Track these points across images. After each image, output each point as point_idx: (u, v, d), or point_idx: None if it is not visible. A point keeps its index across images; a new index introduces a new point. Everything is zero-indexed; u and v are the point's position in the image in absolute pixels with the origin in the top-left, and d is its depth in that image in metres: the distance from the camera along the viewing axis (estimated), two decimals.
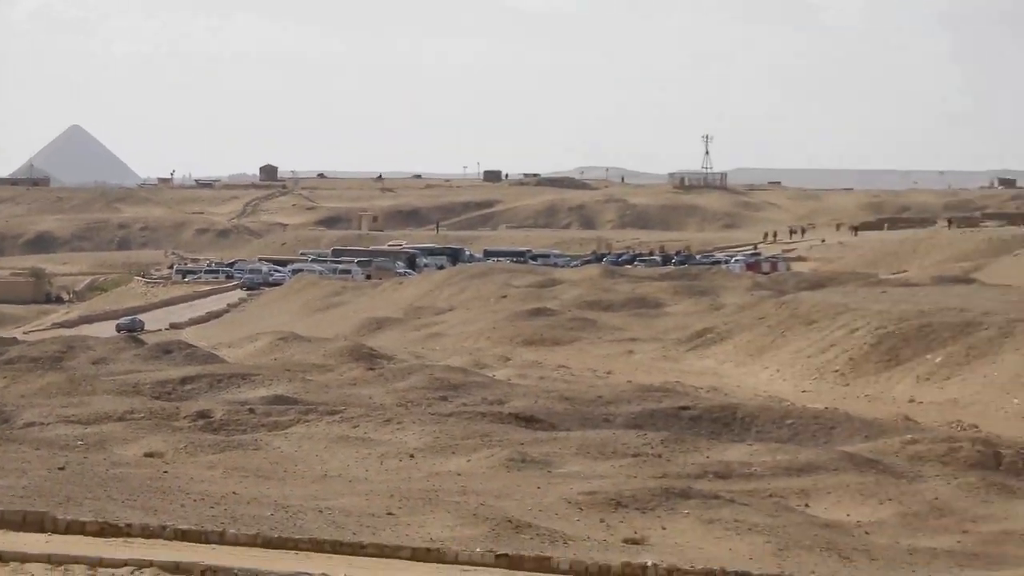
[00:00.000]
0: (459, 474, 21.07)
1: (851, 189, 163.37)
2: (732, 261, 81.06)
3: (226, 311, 71.61)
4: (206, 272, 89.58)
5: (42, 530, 11.54)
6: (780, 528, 17.80)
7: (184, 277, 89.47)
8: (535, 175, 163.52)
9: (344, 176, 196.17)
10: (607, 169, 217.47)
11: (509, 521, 15.76)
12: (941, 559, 16.78)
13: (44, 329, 73.05)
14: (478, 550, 13.00)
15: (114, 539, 11.20)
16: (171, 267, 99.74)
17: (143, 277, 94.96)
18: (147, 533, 12.04)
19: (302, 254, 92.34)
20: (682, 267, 75.00)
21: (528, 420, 26.23)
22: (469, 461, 21.99)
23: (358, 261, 78.16)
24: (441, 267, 73.52)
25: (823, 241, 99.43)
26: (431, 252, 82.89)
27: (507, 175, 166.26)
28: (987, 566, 16.81)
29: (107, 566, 9.35)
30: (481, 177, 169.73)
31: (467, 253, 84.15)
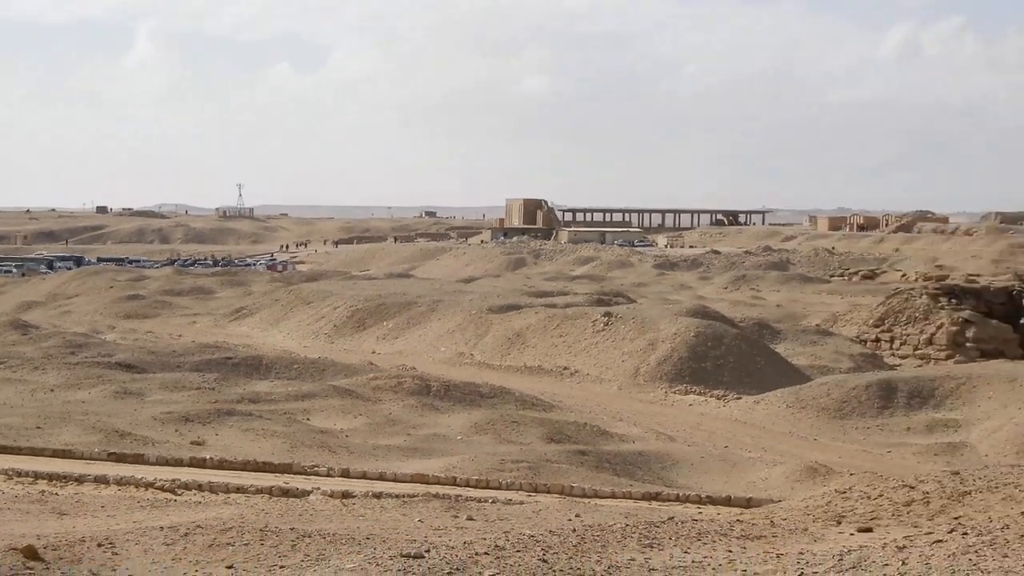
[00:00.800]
0: (83, 402, 28.92)
1: (332, 218, 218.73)
2: (258, 263, 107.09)
3: None
4: None
5: None
6: (292, 434, 26.62)
7: None
8: (130, 209, 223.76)
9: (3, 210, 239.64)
10: (176, 205, 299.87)
11: (117, 431, 24.03)
12: (394, 452, 25.64)
13: None
14: (96, 450, 21.96)
15: None
16: None
17: None
18: None
19: None
20: (226, 268, 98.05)
21: (128, 367, 35.32)
22: (90, 393, 30.34)
23: (16, 264, 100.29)
24: (69, 268, 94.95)
25: (316, 251, 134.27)
26: (63, 259, 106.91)
27: (111, 208, 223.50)
28: (423, 457, 25.36)
29: None
30: (94, 210, 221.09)
31: (87, 259, 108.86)
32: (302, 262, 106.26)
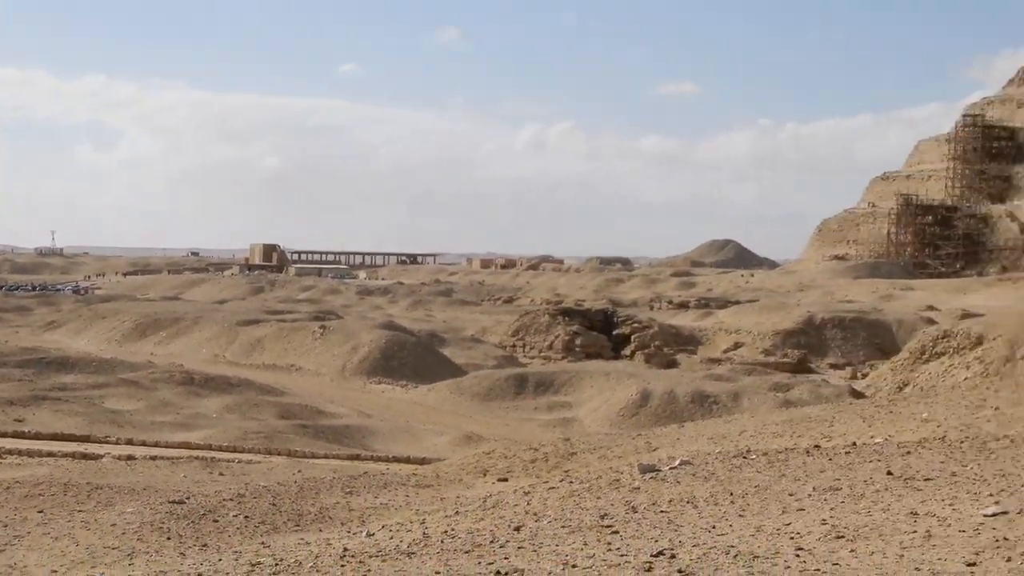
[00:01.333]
0: None
1: (122, 256, 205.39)
2: (66, 289, 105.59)
3: None
4: None
5: None
6: (90, 413, 32.54)
7: None
8: None
9: None
10: (3, 244, 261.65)
11: None
12: (166, 426, 31.37)
13: None
14: None
15: None
16: None
17: None
18: None
19: None
20: (42, 292, 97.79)
21: None
22: None
23: None
24: None
25: (110, 280, 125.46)
26: None
27: None
28: (188, 430, 30.29)
29: None
30: None
31: None
32: (99, 288, 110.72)
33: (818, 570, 5.65)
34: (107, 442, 26.87)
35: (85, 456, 23.05)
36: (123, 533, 10.76)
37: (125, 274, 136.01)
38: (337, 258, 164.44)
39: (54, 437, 26.47)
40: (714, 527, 7.56)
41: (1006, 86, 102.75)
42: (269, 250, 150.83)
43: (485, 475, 15.50)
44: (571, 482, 11.73)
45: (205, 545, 10.12)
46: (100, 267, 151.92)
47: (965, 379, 27.55)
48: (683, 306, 73.64)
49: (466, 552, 7.50)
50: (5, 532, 10.94)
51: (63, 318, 68.03)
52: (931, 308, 61.72)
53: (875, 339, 55.97)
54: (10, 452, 22.93)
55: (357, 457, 27.30)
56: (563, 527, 8.34)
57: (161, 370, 40.90)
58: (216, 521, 11.43)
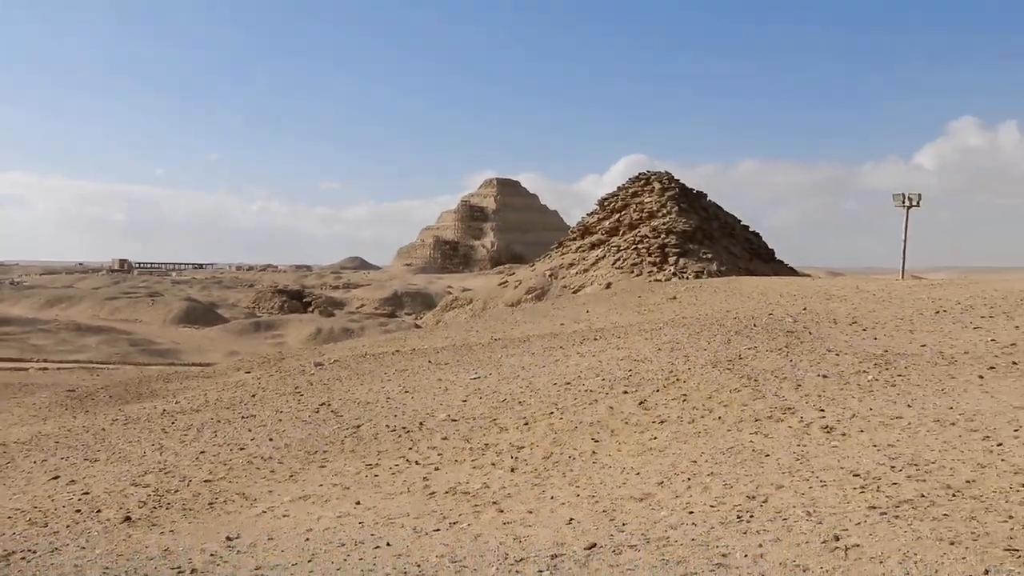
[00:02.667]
0: None
1: None
2: None
3: None
4: None
5: None
6: None
7: None
8: None
9: None
10: None
11: None
12: None
13: None
14: None
15: None
16: None
17: None
18: None
19: None
20: None
21: None
22: None
23: None
24: None
25: None
26: None
27: None
28: None
29: None
30: None
31: None
32: (26, 281, 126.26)
33: (390, 400, 14.24)
34: (31, 361, 38.70)
35: (18, 369, 35.03)
36: (40, 407, 18.23)
37: (40, 274, 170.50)
38: (162, 266, 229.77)
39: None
40: (348, 390, 16.00)
41: (481, 187, 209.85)
42: (123, 262, 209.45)
43: (239, 371, 23.36)
44: (280, 372, 20.18)
45: (87, 411, 17.74)
46: (24, 270, 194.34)
47: (464, 319, 49.15)
48: (336, 288, 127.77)
49: (226, 408, 15.62)
50: None
51: (3, 295, 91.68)
52: (449, 287, 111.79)
53: (426, 302, 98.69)
54: None
55: (171, 364, 42.05)
56: (276, 392, 16.64)
57: (63, 323, 63.83)
58: (92, 399, 19.00)
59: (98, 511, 8.54)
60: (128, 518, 8.24)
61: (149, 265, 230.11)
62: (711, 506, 7.09)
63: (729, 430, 9.40)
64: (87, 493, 9.42)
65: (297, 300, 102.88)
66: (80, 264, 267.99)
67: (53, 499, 9.23)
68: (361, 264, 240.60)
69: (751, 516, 6.71)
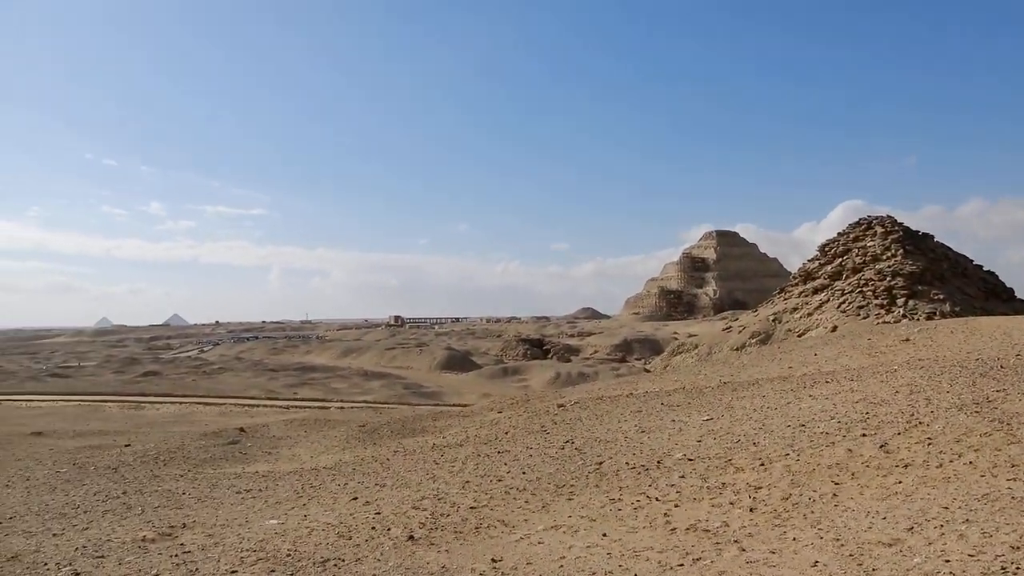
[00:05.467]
0: None
1: None
2: None
3: None
4: None
5: None
6: None
7: None
8: None
9: None
10: None
11: None
12: None
13: None
14: None
15: None
16: None
17: None
18: None
19: None
20: None
21: None
22: None
23: None
24: None
25: None
26: None
27: None
28: None
29: None
30: None
31: None
32: (327, 336, 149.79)
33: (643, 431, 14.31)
34: (332, 401, 44.80)
35: (323, 407, 42.44)
36: (340, 439, 20.09)
37: (337, 330, 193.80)
38: (427, 320, 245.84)
39: (304, 399, 42.46)
40: (589, 429, 16.11)
41: (701, 239, 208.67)
42: (397, 317, 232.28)
43: (491, 410, 24.15)
44: (527, 412, 20.81)
45: (374, 443, 19.23)
46: (326, 327, 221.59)
47: (692, 363, 47.72)
48: (571, 336, 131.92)
49: (484, 443, 16.30)
50: (284, 441, 20.37)
51: (311, 347, 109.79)
52: (675, 333, 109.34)
53: (654, 348, 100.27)
54: (294, 406, 40.11)
55: (436, 404, 44.86)
56: (524, 430, 17.12)
57: (354, 370, 78.46)
58: (378, 433, 20.62)
59: (388, 529, 9.19)
60: (412, 536, 8.79)
61: (417, 320, 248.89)
62: (970, 555, 6.25)
63: (983, 476, 8.28)
64: (379, 513, 10.18)
65: (538, 348, 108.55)
66: (366, 321, 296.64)
67: (354, 516, 10.07)
68: (592, 314, 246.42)
69: (1017, 568, 5.83)
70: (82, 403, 53.88)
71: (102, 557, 8.24)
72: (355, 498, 11.58)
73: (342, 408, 42.73)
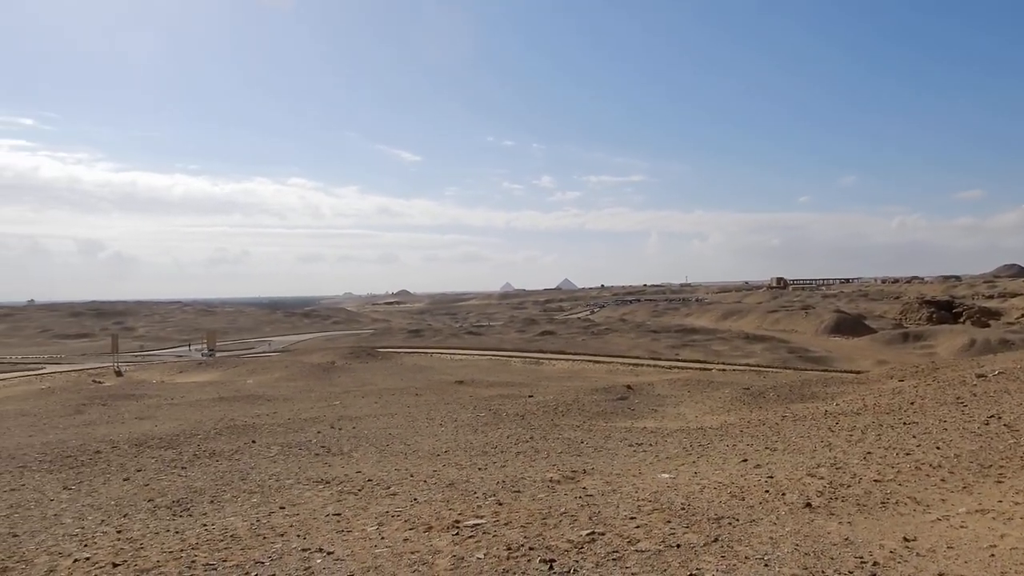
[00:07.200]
0: None
1: None
2: None
3: None
4: None
5: None
6: None
7: None
8: None
9: None
10: None
11: None
12: None
13: None
14: None
15: None
16: None
17: None
18: None
19: None
20: None
21: None
22: None
23: None
24: None
25: None
26: None
27: None
28: None
29: None
30: None
31: None
32: None
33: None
34: (713, 363, 47.39)
35: (703, 369, 47.14)
36: (723, 400, 20.09)
37: (717, 292, 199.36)
38: (812, 282, 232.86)
39: (685, 360, 43.24)
40: (1021, 403, 13.84)
41: None
42: (779, 279, 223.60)
43: (891, 378, 21.76)
44: (937, 382, 18.50)
45: (760, 407, 18.79)
46: (706, 290, 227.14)
47: None
48: (990, 297, 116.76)
49: (885, 413, 14.95)
50: (669, 400, 20.97)
51: (691, 310, 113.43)
52: None
53: None
54: (676, 366, 42.47)
55: (825, 370, 42.16)
56: (935, 401, 15.30)
57: (735, 332, 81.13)
58: (763, 397, 20.11)
59: (783, 494, 8.96)
60: (809, 504, 8.46)
61: (801, 281, 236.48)
62: None
63: None
64: (771, 477, 9.97)
65: (946, 310, 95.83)
66: (746, 283, 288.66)
67: (744, 478, 10.02)
68: (1019, 271, 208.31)
69: None
70: (493, 357, 61.86)
71: (519, 492, 9.41)
72: (745, 460, 11.48)
73: (723, 371, 42.38)
